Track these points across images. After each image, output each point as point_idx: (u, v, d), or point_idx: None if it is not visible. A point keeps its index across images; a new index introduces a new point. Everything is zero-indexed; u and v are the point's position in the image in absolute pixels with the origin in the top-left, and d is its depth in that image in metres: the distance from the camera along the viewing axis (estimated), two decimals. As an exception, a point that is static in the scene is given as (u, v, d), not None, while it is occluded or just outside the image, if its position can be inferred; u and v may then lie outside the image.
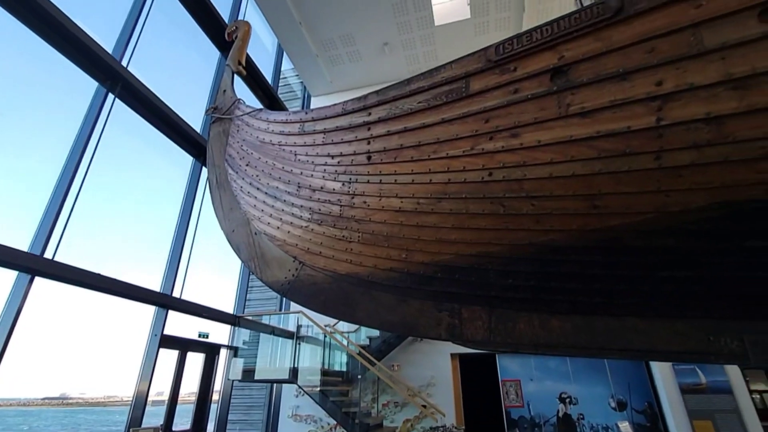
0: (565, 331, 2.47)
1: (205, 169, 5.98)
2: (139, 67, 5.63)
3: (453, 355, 7.29)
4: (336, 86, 11.17)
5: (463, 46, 9.18)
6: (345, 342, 6.73)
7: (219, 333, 6.60)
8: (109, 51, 5.24)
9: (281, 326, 7.24)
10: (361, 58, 10.23)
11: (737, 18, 1.67)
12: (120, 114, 5.41)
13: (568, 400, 5.89)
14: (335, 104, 2.65)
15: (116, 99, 5.25)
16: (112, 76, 5.21)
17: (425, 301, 2.61)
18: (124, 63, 5.42)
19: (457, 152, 2.22)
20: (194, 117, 6.59)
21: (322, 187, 2.68)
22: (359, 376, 6.29)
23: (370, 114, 2.48)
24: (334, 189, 2.63)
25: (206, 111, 3.84)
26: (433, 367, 7.15)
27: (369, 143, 2.47)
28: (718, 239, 1.93)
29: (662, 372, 5.85)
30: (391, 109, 2.40)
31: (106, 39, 5.36)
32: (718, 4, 1.69)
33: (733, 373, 5.70)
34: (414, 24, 9.26)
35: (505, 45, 2.12)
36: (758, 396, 7.54)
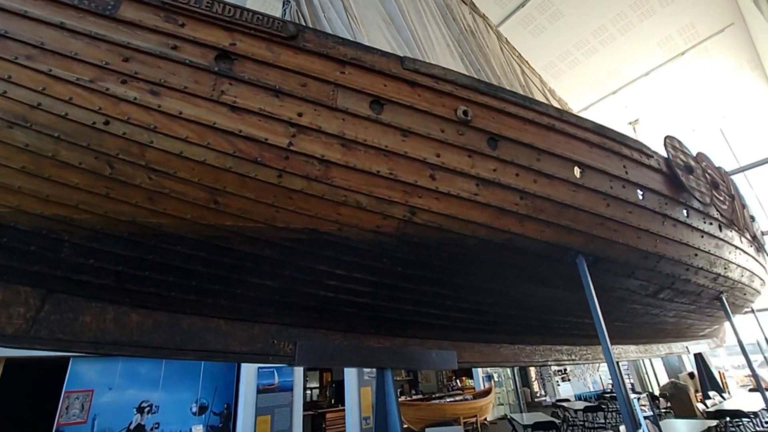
0: (144, 328, 2.20)
1: None
2: None
3: None
4: None
5: None
6: None
7: None
8: None
9: None
10: None
11: (357, 97, 2.19)
12: None
13: (147, 409, 5.45)
14: None
15: None
16: None
17: None
18: None
19: (69, 75, 1.63)
20: None
21: None
22: None
23: None
24: None
25: None
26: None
27: None
28: (300, 258, 2.33)
29: (248, 374, 6.60)
30: (-30, -42, 1.51)
31: None
32: (351, 79, 2.17)
33: (298, 374, 7.24)
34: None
35: (182, -7, 1.84)
36: (310, 391, 9.98)
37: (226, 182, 1.95)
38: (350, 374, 7.53)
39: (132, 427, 5.26)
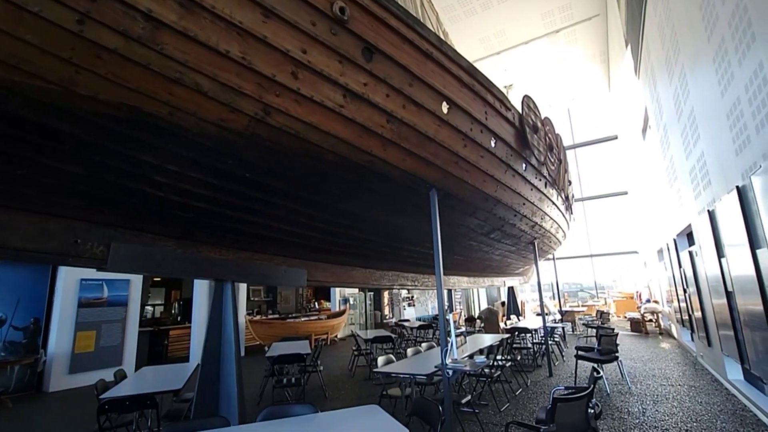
0: None
1: None
2: None
3: None
4: None
5: None
6: None
7: None
8: None
9: None
10: None
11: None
12: None
13: None
14: None
15: None
16: None
17: None
18: None
19: None
20: None
21: None
22: None
23: None
24: None
25: None
26: None
27: None
28: (116, 142, 1.88)
29: (66, 286, 5.62)
30: None
31: None
32: None
33: (135, 289, 6.51)
34: None
35: None
36: (152, 308, 9.24)
37: (-12, 9, 1.36)
38: (200, 291, 7.14)
39: None
